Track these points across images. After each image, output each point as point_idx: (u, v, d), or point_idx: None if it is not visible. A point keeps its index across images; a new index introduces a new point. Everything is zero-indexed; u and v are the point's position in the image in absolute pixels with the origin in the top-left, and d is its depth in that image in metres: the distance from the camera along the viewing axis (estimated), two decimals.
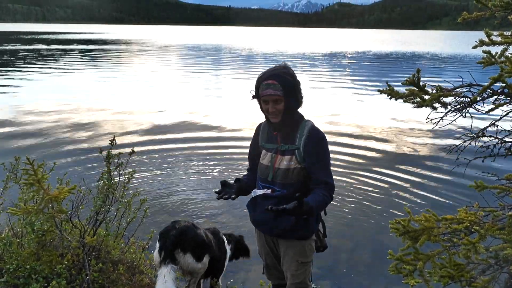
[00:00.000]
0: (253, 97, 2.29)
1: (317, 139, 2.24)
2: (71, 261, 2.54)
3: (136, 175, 3.09)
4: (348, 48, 50.30)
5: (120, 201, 2.94)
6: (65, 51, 35.07)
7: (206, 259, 2.64)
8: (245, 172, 2.66)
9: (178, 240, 2.49)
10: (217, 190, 2.29)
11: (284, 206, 1.92)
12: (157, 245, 2.57)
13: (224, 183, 2.31)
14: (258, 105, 2.31)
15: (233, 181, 2.39)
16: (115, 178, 2.80)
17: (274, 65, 2.27)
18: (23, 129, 9.23)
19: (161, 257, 2.46)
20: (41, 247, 2.43)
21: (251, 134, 2.55)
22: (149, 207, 3.29)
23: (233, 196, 2.26)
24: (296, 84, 2.22)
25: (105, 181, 2.71)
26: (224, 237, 3.08)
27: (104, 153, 2.70)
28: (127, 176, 2.94)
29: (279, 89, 2.15)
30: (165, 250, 2.45)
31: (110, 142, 2.70)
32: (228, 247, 3.07)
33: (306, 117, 2.35)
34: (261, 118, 2.39)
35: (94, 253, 2.77)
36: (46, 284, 2.30)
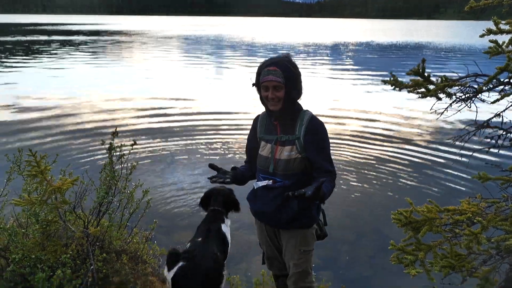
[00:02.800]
0: (253, 84, 2.28)
1: (317, 128, 2.24)
2: (76, 251, 2.56)
3: (138, 165, 3.09)
4: (351, 38, 49.88)
5: (122, 192, 2.95)
6: (65, 42, 34.96)
7: (223, 278, 2.55)
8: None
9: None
10: (210, 176, 2.30)
11: (303, 190, 1.88)
12: (169, 279, 2.41)
13: (213, 167, 2.32)
14: (258, 95, 2.30)
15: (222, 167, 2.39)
16: (118, 169, 2.81)
17: (276, 55, 2.26)
18: (25, 120, 9.25)
19: None
20: (45, 237, 2.45)
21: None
22: (151, 198, 3.30)
23: (227, 180, 2.27)
24: (297, 74, 2.22)
25: (108, 172, 2.71)
26: (224, 228, 2.91)
27: (106, 144, 2.70)
28: (129, 167, 2.95)
29: (280, 76, 2.15)
30: None
31: (112, 133, 2.70)
32: (227, 231, 2.87)
33: (307, 107, 2.35)
34: (262, 106, 2.37)
35: (98, 243, 2.79)
36: (51, 273, 2.32)
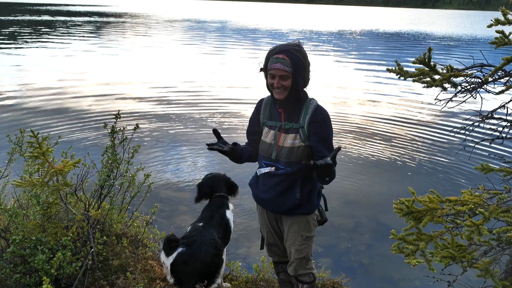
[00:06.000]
0: (261, 69, 2.24)
1: (322, 118, 2.22)
2: (76, 234, 2.57)
3: (140, 149, 3.08)
4: (356, 26, 49.27)
5: (124, 176, 2.95)
6: (69, 24, 34.55)
7: (222, 263, 2.60)
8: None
9: (201, 280, 2.39)
10: (208, 142, 2.30)
11: (321, 161, 1.93)
12: (169, 271, 2.44)
13: (216, 132, 2.33)
14: (264, 80, 2.26)
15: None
16: (119, 152, 2.79)
17: (287, 41, 2.21)
18: (27, 101, 9.21)
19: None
20: (46, 219, 2.45)
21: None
22: (152, 182, 3.30)
23: (225, 149, 2.27)
24: (306, 64, 2.17)
25: (110, 155, 2.70)
26: (228, 215, 2.85)
27: (109, 127, 2.68)
28: (131, 151, 2.94)
29: (288, 65, 2.10)
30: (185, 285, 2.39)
31: (114, 116, 2.68)
32: (231, 217, 2.87)
33: (311, 94, 2.31)
34: (266, 91, 2.33)
35: (98, 226, 2.80)
36: (51, 255, 2.33)
